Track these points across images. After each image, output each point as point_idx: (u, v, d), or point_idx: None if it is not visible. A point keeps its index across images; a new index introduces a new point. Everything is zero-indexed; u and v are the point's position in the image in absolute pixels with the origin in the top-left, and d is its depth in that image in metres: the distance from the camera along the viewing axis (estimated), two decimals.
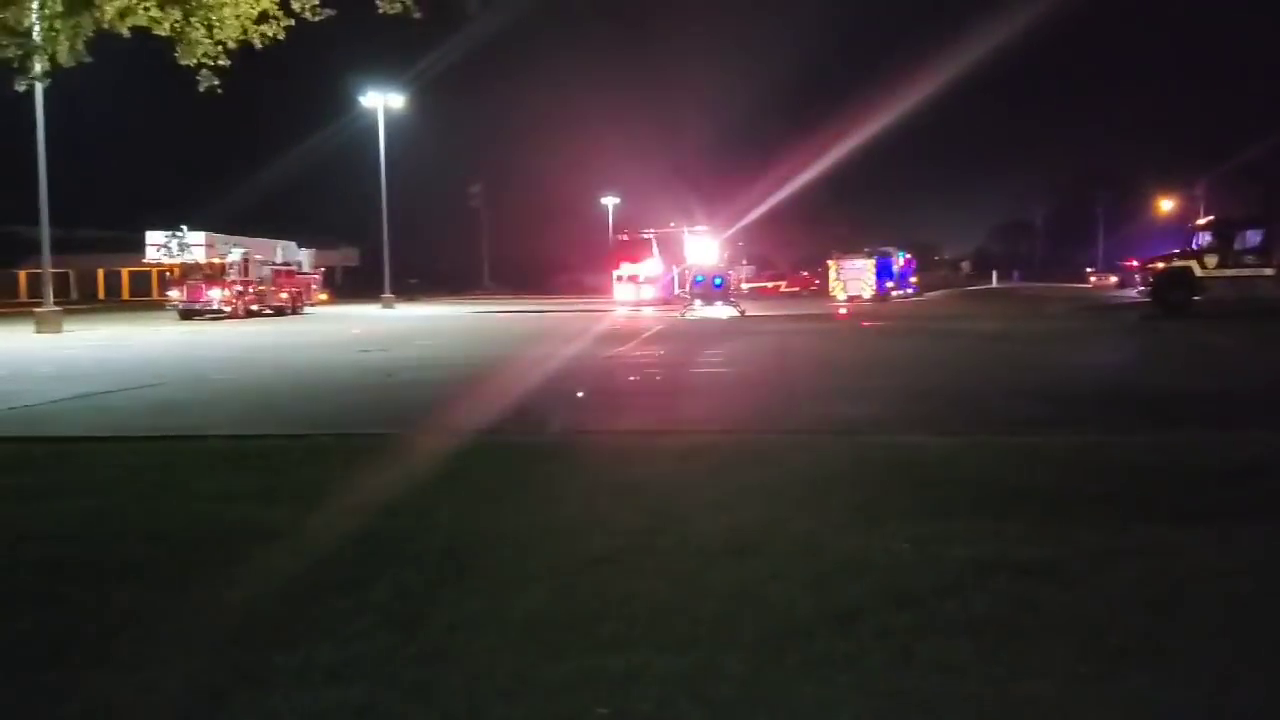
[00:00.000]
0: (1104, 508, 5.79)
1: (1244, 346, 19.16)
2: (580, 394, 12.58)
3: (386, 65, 49.79)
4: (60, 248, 31.36)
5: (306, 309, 45.48)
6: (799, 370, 15.74)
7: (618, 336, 24.79)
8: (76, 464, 7.75)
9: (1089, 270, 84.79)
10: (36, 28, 9.87)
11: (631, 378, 15.44)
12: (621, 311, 41.49)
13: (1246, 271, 30.20)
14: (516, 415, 10.46)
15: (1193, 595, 4.32)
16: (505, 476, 7.12)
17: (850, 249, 54.73)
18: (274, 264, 44.11)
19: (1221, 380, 13.59)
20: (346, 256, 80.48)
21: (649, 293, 49.61)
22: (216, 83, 10.57)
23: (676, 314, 36.05)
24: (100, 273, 76.97)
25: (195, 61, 10.25)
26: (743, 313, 34.95)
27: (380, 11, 10.29)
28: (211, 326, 33.79)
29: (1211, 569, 4.65)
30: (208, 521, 5.89)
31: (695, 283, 37.57)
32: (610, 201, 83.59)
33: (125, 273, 74.54)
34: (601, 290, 58.74)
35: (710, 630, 4.04)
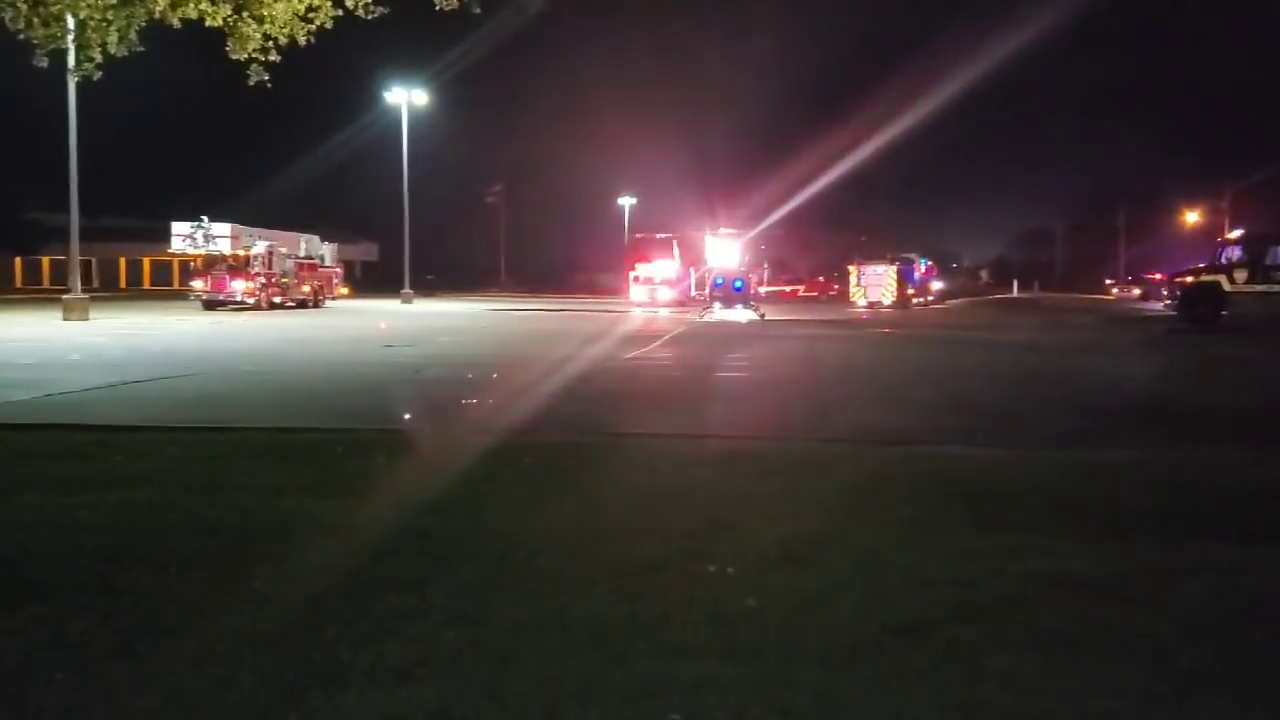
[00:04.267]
0: (1158, 524, 5.76)
1: (1272, 364, 19.03)
2: (607, 396, 12.58)
3: (412, 61, 49.98)
4: (83, 235, 31.45)
5: (328, 303, 45.65)
6: (827, 376, 15.71)
7: (638, 338, 24.78)
8: (121, 453, 7.77)
9: (1110, 282, 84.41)
10: (87, 18, 9.92)
11: (659, 381, 15.43)
12: (639, 312, 41.46)
13: (1276, 288, 30.01)
14: (550, 415, 10.46)
15: (1262, 618, 4.28)
16: (548, 478, 7.11)
17: (872, 255, 54.61)
18: (297, 257, 44.26)
19: (1256, 397, 13.51)
20: (366, 251, 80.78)
21: (666, 294, 49.65)
22: (266, 77, 10.59)
23: (695, 316, 36.02)
24: (122, 261, 77.38)
25: (246, 56, 10.28)
26: (763, 316, 34.90)
27: (438, 8, 10.29)
28: (235, 318, 33.91)
29: (1273, 590, 4.61)
30: (261, 515, 5.91)
31: (715, 285, 37.53)
32: (628, 201, 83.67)
33: (147, 262, 74.88)
34: (618, 290, 58.76)
35: (776, 640, 4.02)
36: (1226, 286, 30.52)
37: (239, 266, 39.96)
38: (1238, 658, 3.89)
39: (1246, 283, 30.25)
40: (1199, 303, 30.78)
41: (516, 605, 4.39)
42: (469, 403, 11.49)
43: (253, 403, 11.59)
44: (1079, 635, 4.08)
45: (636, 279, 52.11)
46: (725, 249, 40.78)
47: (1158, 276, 54.15)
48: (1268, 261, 30.42)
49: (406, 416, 10.58)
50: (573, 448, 8.35)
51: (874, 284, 51.26)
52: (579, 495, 6.55)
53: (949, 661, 3.82)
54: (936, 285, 61.29)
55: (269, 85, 10.56)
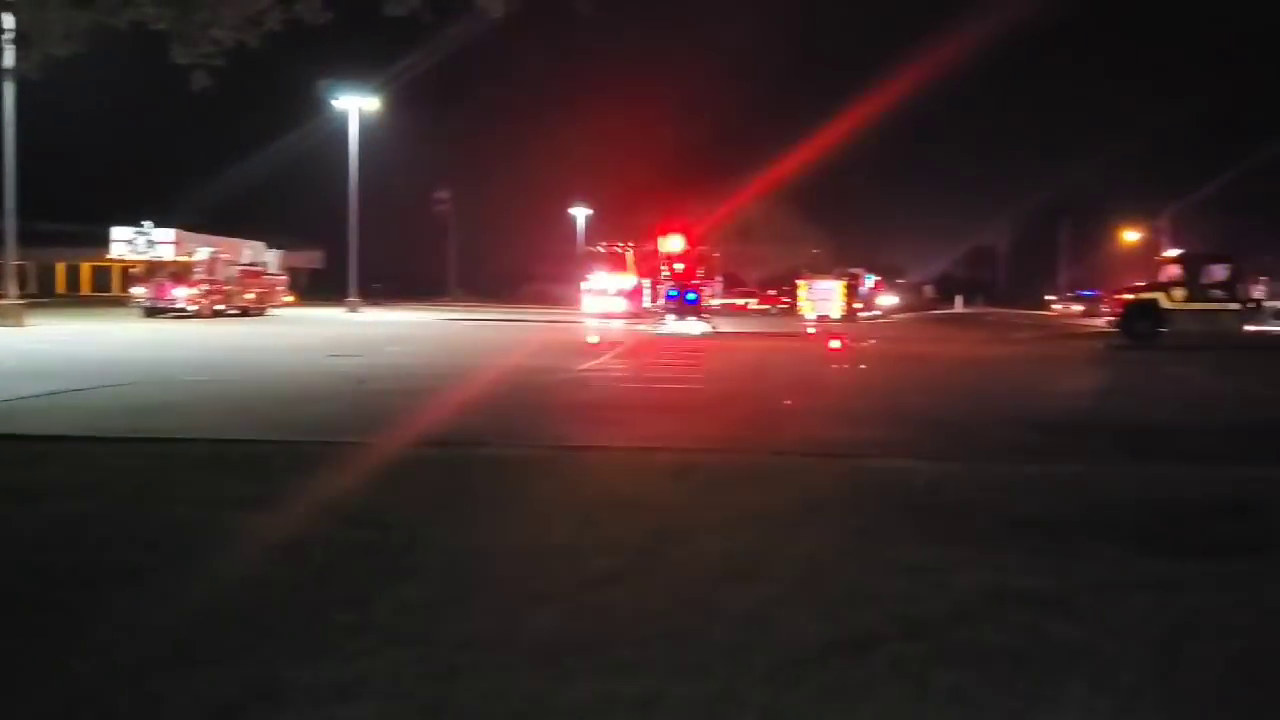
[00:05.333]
0: (1101, 540, 5.82)
1: (1212, 380, 19.42)
2: (557, 408, 12.53)
3: (362, 68, 49.44)
4: (19, 240, 30.72)
5: (272, 311, 44.99)
6: (778, 389, 15.75)
7: (590, 349, 24.73)
8: (58, 465, 7.59)
9: (1051, 298, 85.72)
10: (30, 19, 9.70)
11: (611, 392, 15.40)
12: (591, 324, 41.41)
13: (1212, 306, 30.77)
14: (498, 427, 10.38)
15: (1202, 634, 4.33)
16: (496, 490, 7.05)
17: (820, 270, 55.05)
18: (241, 264, 43.64)
19: (1194, 413, 13.76)
20: (312, 259, 79.76)
21: (618, 305, 49.62)
22: (210, 83, 10.40)
23: (647, 327, 36.04)
24: (60, 267, 75.77)
25: (191, 61, 10.09)
26: (715, 328, 35.01)
27: (387, 15, 10.16)
28: (177, 325, 33.36)
29: (1217, 607, 4.67)
30: (199, 528, 5.79)
31: (668, 297, 37.58)
32: (580, 212, 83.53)
33: (87, 267, 73.38)
34: (570, 301, 58.64)
35: (724, 656, 4.00)
36: (1165, 304, 31.21)
37: (181, 273, 39.28)
38: (1178, 673, 3.93)
39: (1184, 301, 30.98)
40: (1138, 319, 31.43)
41: (461, 622, 4.34)
42: (415, 414, 11.36)
43: (193, 413, 11.39)
44: (1023, 650, 4.10)
45: (589, 290, 52.05)
46: (677, 260, 40.84)
47: (1098, 293, 55.18)
48: (1204, 280, 31.19)
49: (350, 428, 10.43)
50: (521, 460, 8.29)
51: (822, 298, 51.76)
52: (527, 509, 6.50)
53: (894, 677, 3.82)
54: (885, 300, 62.00)
55: (214, 92, 10.38)
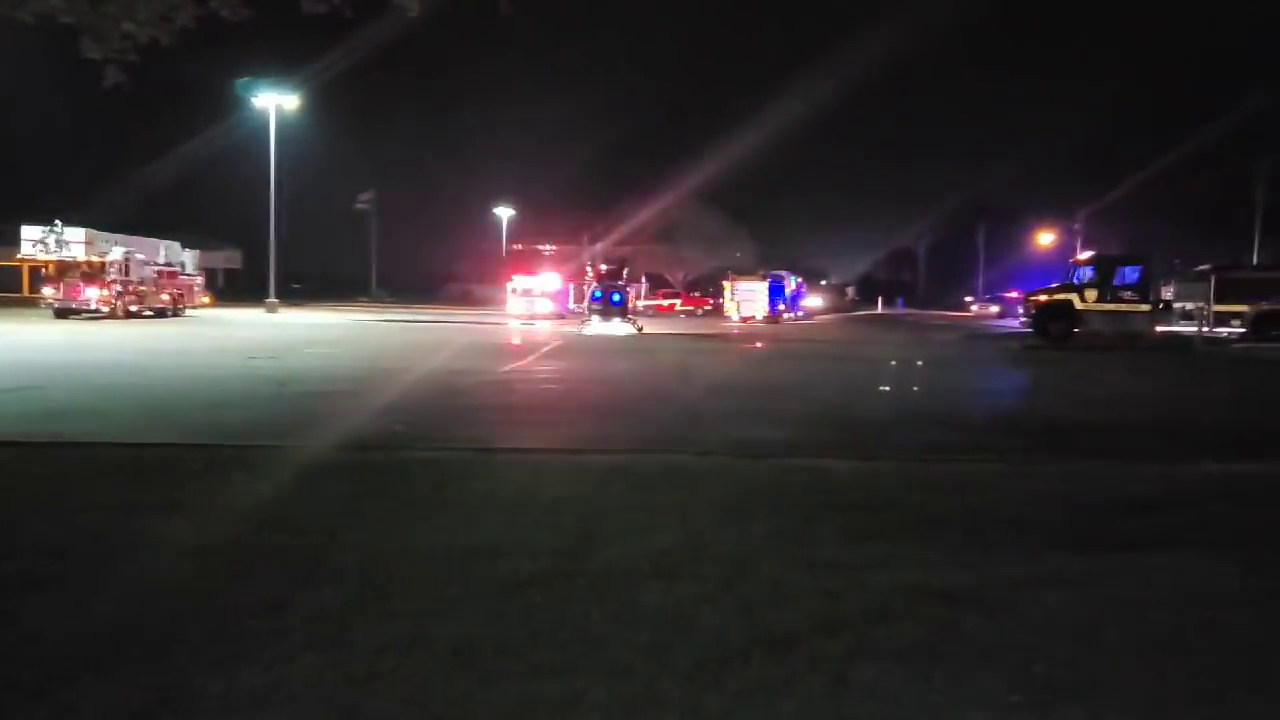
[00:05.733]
0: (1017, 535, 5.95)
1: (1122, 378, 19.97)
2: (481, 410, 12.44)
3: (282, 65, 48.60)
4: None
5: (188, 311, 44.00)
6: (701, 390, 15.83)
7: (515, 351, 24.62)
8: None
9: (969, 299, 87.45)
10: None
11: (534, 394, 15.34)
12: (515, 325, 41.21)
13: (1124, 307, 31.70)
14: (419, 430, 10.27)
15: (1113, 625, 4.44)
16: (417, 494, 6.97)
17: (745, 272, 55.48)
18: (156, 264, 42.61)
19: (1104, 411, 14.12)
20: (230, 259, 78.24)
21: (543, 306, 49.49)
22: (124, 78, 10.08)
23: (572, 329, 35.99)
24: None
25: (102, 56, 9.79)
26: (640, 330, 35.08)
27: (305, 11, 9.95)
28: (89, 327, 32.45)
29: (1128, 599, 4.79)
30: (109, 535, 5.64)
31: (593, 298, 37.56)
32: (504, 213, 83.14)
33: None
34: (494, 302, 58.32)
35: (645, 656, 4.01)
36: (1078, 305, 32.06)
37: (93, 273, 38.22)
38: (1091, 665, 4.02)
39: (1096, 301, 31.85)
40: (1053, 320, 32.24)
41: (379, 626, 4.28)
42: (335, 417, 11.20)
43: (105, 417, 11.07)
44: (941, 646, 4.16)
45: (514, 291, 51.82)
46: (601, 262, 40.89)
47: (1014, 295, 56.45)
48: (1116, 282, 32.09)
49: (268, 432, 10.24)
50: (442, 463, 8.20)
51: (747, 299, 52.28)
52: (448, 512, 6.43)
53: (814, 674, 3.86)
54: (812, 302, 62.72)
55: (127, 88, 10.08)
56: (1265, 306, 32.63)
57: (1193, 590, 5.02)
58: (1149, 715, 3.62)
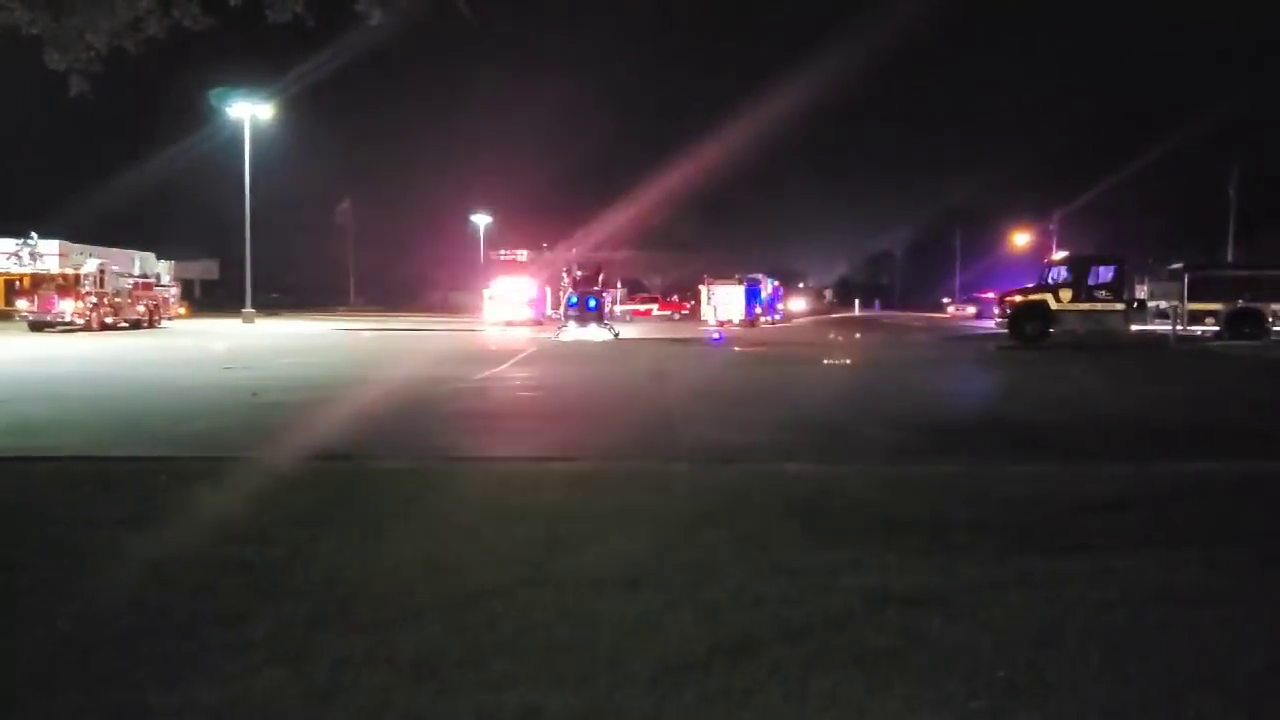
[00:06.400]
0: (982, 538, 5.96)
1: (1097, 379, 20.08)
2: (453, 418, 12.41)
3: (255, 76, 48.38)
4: None
5: (164, 323, 43.80)
6: (675, 396, 15.84)
7: (490, 357, 24.58)
8: None
9: (946, 301, 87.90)
10: None
11: (507, 401, 15.32)
12: (493, 331, 41.15)
13: (1098, 306, 31.94)
14: (391, 439, 10.25)
15: (1074, 628, 4.46)
16: (385, 505, 6.94)
17: (722, 275, 55.63)
18: (131, 276, 42.40)
19: (1077, 411, 14.21)
20: (206, 270, 77.84)
21: (521, 313, 49.49)
22: (88, 88, 10.04)
23: (549, 335, 35.97)
24: None
25: (66, 66, 9.74)
26: (617, 335, 35.09)
27: (270, 21, 9.92)
28: (64, 339, 32.21)
29: (1089, 601, 4.81)
30: (71, 548, 5.59)
31: (570, 304, 37.56)
32: (482, 220, 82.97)
33: None
34: (472, 309, 58.24)
35: (606, 665, 4.00)
36: (1053, 305, 32.28)
37: (68, 286, 38.02)
38: (1051, 668, 4.04)
39: (1071, 301, 32.08)
40: (1028, 320, 32.44)
41: (341, 639, 4.26)
42: (308, 428, 11.15)
43: (76, 430, 11.00)
44: (902, 651, 4.17)
45: (492, 297, 51.78)
46: (578, 268, 40.87)
47: (990, 295, 56.76)
48: (1091, 282, 32.32)
49: (240, 443, 10.18)
50: (412, 473, 8.18)
51: (724, 303, 52.46)
52: (414, 523, 6.41)
53: (774, 681, 3.86)
54: (795, 305, 62.89)
55: (91, 97, 10.03)
56: (1238, 305, 32.92)
57: (1155, 590, 5.05)
58: (1107, 719, 3.64)
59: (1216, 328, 33.20)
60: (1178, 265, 34.81)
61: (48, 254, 38.98)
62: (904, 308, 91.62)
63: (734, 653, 4.13)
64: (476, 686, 3.80)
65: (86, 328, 37.09)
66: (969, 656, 4.13)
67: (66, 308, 37.34)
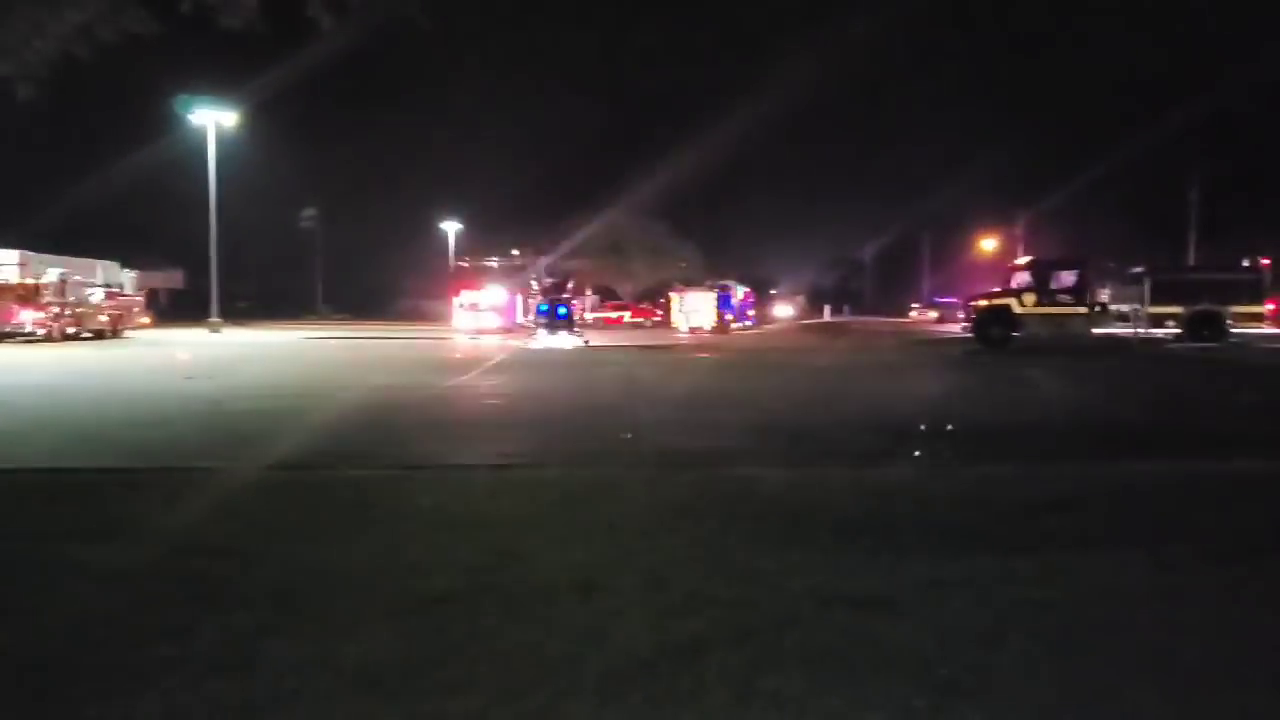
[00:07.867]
0: (932, 539, 6.01)
1: (1058, 381, 20.26)
2: (418, 427, 12.36)
3: (219, 84, 47.99)
4: None
5: (128, 333, 43.35)
6: (642, 402, 15.84)
7: (458, 366, 24.50)
8: None
9: (912, 305, 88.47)
10: None
11: (474, 409, 15.28)
12: (462, 339, 41.03)
13: (1061, 310, 32.22)
14: (353, 448, 10.19)
15: (1018, 627, 4.50)
16: (340, 513, 6.91)
17: (692, 282, 55.75)
18: (94, 285, 41.93)
19: (1038, 413, 14.35)
20: (171, 278, 77.07)
21: (491, 321, 49.35)
22: (36, 94, 9.93)
23: (519, 343, 35.91)
24: None
25: (12, 72, 9.64)
26: (587, 343, 35.08)
27: (222, 28, 9.87)
28: (24, 350, 31.82)
29: (1035, 601, 4.86)
30: (14, 562, 5.53)
31: (539, 312, 37.51)
32: (451, 227, 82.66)
33: None
34: (441, 317, 58.04)
35: (553, 671, 4.00)
36: (1017, 309, 32.54)
37: (28, 295, 37.51)
38: (994, 667, 4.07)
39: (1035, 305, 32.35)
40: (992, 325, 32.68)
41: (288, 649, 4.24)
42: (271, 437, 11.08)
43: (31, 441, 10.87)
44: (847, 652, 4.20)
45: (461, 305, 51.63)
46: (547, 275, 40.90)
47: (952, 300, 57.19)
48: (1053, 286, 32.61)
49: (201, 453, 10.11)
50: (373, 482, 8.14)
51: (695, 310, 52.61)
52: (370, 531, 6.38)
53: (720, 683, 3.88)
54: (780, 311, 63.16)
55: (40, 103, 9.93)
56: (1199, 307, 33.33)
57: (1101, 589, 5.11)
58: (1045, 717, 3.67)
59: (1178, 330, 33.60)
60: (1139, 269, 35.19)
61: (7, 264, 38.36)
62: (872, 313, 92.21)
63: (681, 656, 4.14)
64: (421, 694, 3.79)
65: (48, 338, 36.65)
66: (912, 656, 4.16)
67: (27, 318, 36.87)
